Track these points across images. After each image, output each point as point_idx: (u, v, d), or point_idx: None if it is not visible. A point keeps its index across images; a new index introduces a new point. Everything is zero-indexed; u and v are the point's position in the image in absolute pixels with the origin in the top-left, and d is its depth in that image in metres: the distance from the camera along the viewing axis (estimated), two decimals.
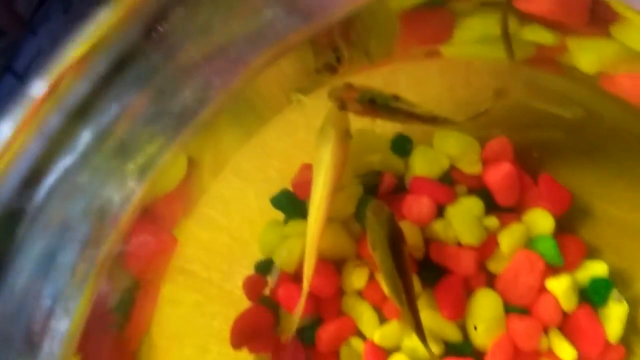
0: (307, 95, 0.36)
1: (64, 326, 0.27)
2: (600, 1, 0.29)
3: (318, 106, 0.36)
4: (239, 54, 0.28)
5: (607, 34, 0.30)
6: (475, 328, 0.35)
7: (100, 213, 0.29)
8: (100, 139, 0.26)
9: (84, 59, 0.22)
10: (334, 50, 0.34)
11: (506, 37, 0.32)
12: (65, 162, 0.26)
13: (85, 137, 0.25)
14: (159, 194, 0.34)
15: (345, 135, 0.34)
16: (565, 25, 0.31)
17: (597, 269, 0.37)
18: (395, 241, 0.33)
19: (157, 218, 0.35)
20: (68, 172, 0.26)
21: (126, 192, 0.30)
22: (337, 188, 0.37)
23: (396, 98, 0.33)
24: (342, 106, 0.34)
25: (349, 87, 0.34)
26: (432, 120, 0.34)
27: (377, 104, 0.33)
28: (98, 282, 0.30)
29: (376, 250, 0.34)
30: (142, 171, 0.30)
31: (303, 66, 0.35)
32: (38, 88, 0.23)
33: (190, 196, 0.37)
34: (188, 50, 0.26)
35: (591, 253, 0.37)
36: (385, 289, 0.35)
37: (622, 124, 0.36)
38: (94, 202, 0.28)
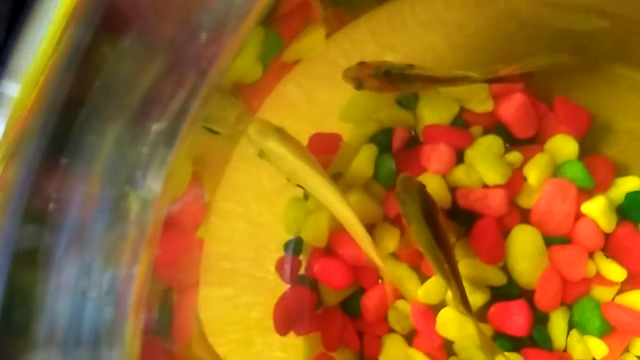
0: None
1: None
2: None
3: (317, 78, 0.35)
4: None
5: None
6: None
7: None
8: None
9: None
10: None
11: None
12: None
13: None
14: (171, 198, 0.33)
15: (278, 133, 0.32)
16: None
17: (629, 183, 0.36)
18: (429, 212, 0.32)
19: (174, 222, 0.34)
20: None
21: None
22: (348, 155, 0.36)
23: (410, 66, 0.32)
24: (359, 85, 0.33)
25: (363, 64, 0.33)
26: (451, 80, 0.33)
27: (393, 75, 0.32)
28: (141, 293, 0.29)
29: (411, 224, 0.33)
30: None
31: None
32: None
33: (203, 195, 0.35)
34: None
35: (620, 170, 0.37)
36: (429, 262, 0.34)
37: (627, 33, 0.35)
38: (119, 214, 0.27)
